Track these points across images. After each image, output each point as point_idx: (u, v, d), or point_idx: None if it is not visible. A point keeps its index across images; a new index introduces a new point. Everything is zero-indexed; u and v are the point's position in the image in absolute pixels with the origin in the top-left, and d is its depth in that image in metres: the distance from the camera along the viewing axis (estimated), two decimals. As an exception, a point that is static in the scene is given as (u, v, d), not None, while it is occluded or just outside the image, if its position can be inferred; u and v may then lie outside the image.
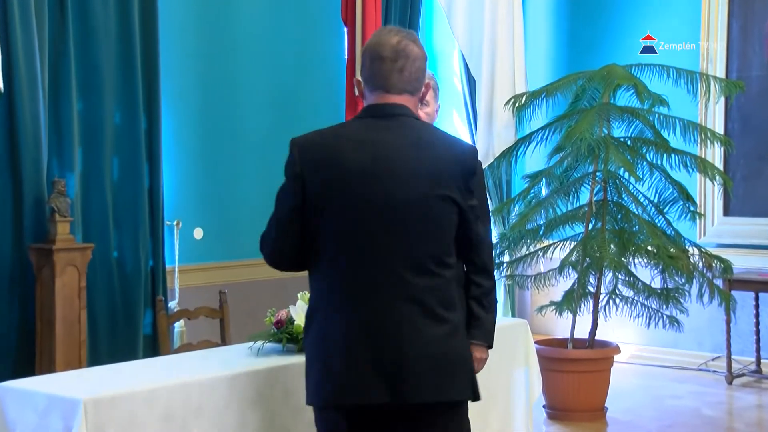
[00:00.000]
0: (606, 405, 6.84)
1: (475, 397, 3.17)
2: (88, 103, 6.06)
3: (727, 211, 8.15)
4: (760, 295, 7.72)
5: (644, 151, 6.91)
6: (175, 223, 6.61)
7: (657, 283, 6.83)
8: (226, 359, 3.90)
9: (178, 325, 6.30)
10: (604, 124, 6.90)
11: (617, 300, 6.85)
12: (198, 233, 6.76)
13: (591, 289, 6.83)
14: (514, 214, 7.43)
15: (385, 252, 3.02)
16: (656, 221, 6.91)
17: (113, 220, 6.14)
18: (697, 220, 7.32)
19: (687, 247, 6.89)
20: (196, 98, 6.95)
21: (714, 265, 6.95)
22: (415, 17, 8.26)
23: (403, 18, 8.05)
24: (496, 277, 4.50)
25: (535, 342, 5.41)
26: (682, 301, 6.76)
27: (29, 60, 5.60)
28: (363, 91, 3.18)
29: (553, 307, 6.91)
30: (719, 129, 7.97)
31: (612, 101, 7.03)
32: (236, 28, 7.23)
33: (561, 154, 7.01)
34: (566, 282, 6.93)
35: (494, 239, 6.87)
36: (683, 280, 6.73)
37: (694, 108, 7.69)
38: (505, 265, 7.20)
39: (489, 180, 7.89)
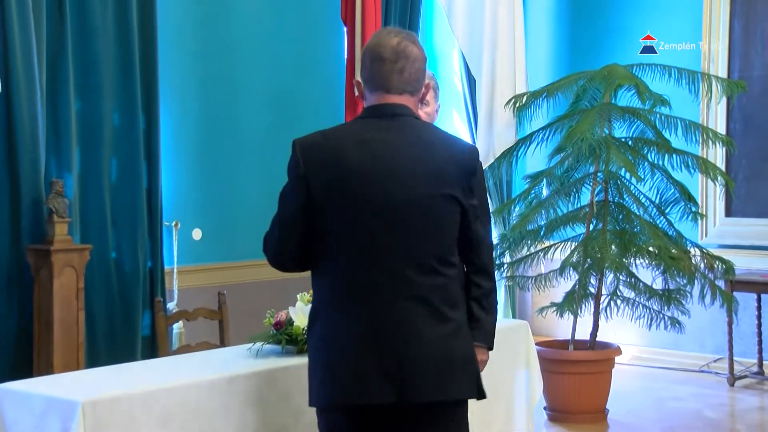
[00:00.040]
0: (607, 407, 6.82)
1: (480, 395, 3.17)
2: (87, 103, 6.05)
3: (729, 212, 8.14)
4: (762, 296, 7.71)
5: (645, 151, 6.90)
6: (173, 223, 6.59)
7: (658, 284, 6.81)
8: (225, 361, 3.89)
9: (177, 327, 6.29)
10: (605, 124, 6.89)
11: (618, 301, 6.84)
12: (197, 234, 6.74)
13: (592, 290, 6.82)
14: (514, 214, 7.42)
15: (389, 251, 3.03)
16: (658, 222, 6.90)
17: (111, 221, 6.13)
18: (699, 221, 7.29)
19: (688, 248, 6.88)
20: (195, 98, 6.94)
21: (716, 266, 6.94)
22: (415, 17, 8.25)
23: (403, 17, 8.03)
24: (497, 278, 4.49)
25: (536, 343, 5.40)
26: (683, 302, 6.75)
27: (27, 59, 5.60)
28: (363, 92, 3.20)
29: (554, 308, 6.90)
30: (721, 129, 7.96)
31: (613, 101, 7.02)
32: (235, 27, 7.22)
33: (562, 155, 7.00)
34: (567, 283, 6.91)
35: (495, 240, 6.84)
36: (685, 281, 6.71)
37: (696, 108, 7.67)
38: (505, 266, 7.19)
39: (489, 180, 7.88)
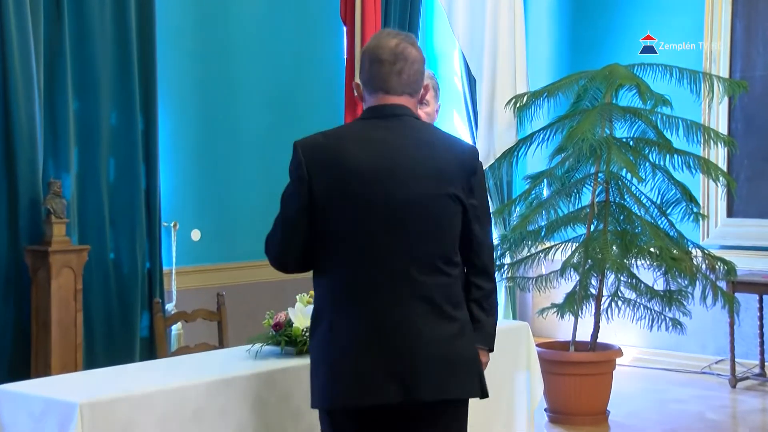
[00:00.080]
0: (608, 408, 6.80)
1: (484, 394, 3.18)
2: (84, 103, 6.04)
3: (731, 213, 8.12)
4: (764, 297, 7.70)
5: (647, 151, 6.89)
6: (172, 224, 6.58)
7: (660, 285, 6.80)
8: (223, 362, 3.88)
9: (176, 328, 6.28)
10: (606, 124, 6.88)
11: (619, 302, 6.83)
12: (195, 235, 6.72)
13: (593, 291, 6.81)
14: (515, 215, 7.41)
15: (389, 251, 3.04)
16: (659, 223, 6.89)
17: (109, 222, 6.13)
18: (701, 222, 7.27)
19: (690, 249, 6.86)
20: (194, 98, 6.93)
21: (717, 267, 6.92)
22: (415, 17, 8.23)
23: (403, 18, 8.01)
24: (497, 279, 4.47)
25: (537, 345, 5.40)
26: (685, 303, 6.74)
27: (25, 60, 5.59)
28: (362, 93, 3.22)
29: (555, 309, 6.89)
30: (722, 129, 7.95)
31: (614, 101, 7.01)
32: (234, 27, 7.21)
33: (562, 155, 6.99)
34: (568, 284, 6.90)
35: (495, 241, 6.82)
36: (686, 282, 6.70)
37: (697, 108, 7.66)
38: (506, 266, 7.18)
39: (490, 181, 7.87)
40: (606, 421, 6.75)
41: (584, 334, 6.91)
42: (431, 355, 3.03)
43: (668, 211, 6.97)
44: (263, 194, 6.87)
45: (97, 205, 6.06)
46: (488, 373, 3.31)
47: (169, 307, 6.36)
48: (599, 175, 6.83)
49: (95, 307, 5.99)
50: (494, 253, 4.99)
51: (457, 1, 8.16)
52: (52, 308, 5.44)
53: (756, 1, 8.10)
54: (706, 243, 7.68)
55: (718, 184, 7.34)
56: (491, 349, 3.33)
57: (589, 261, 6.68)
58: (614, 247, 6.67)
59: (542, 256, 7.09)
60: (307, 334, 3.81)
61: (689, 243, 6.91)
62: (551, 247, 7.09)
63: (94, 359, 5.86)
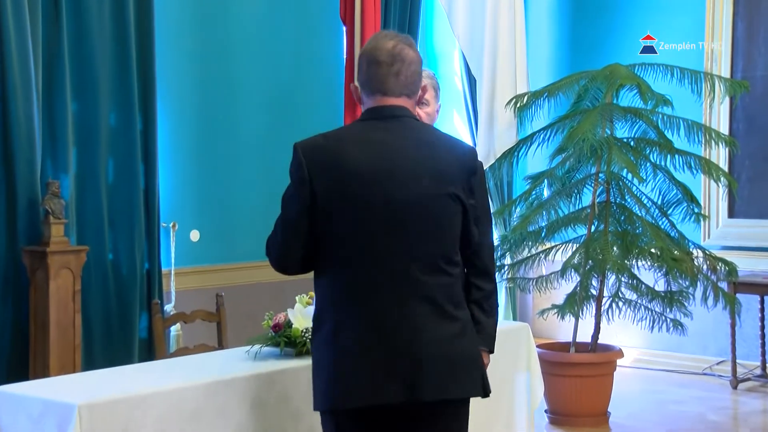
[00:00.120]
0: (609, 410, 6.79)
1: (486, 393, 3.19)
2: (83, 104, 6.04)
3: (732, 213, 8.11)
4: (766, 298, 7.69)
5: (648, 152, 6.88)
6: (171, 225, 6.57)
7: (660, 286, 6.80)
8: (222, 363, 3.87)
9: (174, 329, 6.27)
10: (606, 124, 6.87)
11: (620, 303, 6.82)
12: (194, 235, 6.70)
13: (593, 292, 6.80)
14: (515, 215, 7.41)
15: (390, 252, 3.04)
16: (660, 223, 6.89)
17: (108, 222, 6.13)
18: (702, 222, 7.27)
19: (691, 250, 6.85)
20: (193, 98, 6.93)
21: (719, 267, 6.91)
22: (415, 16, 8.22)
23: (402, 17, 8.00)
24: (498, 279, 4.45)
25: (537, 346, 5.40)
26: (686, 304, 6.73)
27: (23, 60, 5.59)
28: (360, 96, 3.23)
29: (555, 310, 6.88)
30: (724, 129, 7.93)
31: (615, 101, 7.00)
32: (233, 27, 7.20)
33: (563, 155, 6.98)
34: (568, 285, 6.90)
35: (495, 241, 6.81)
36: (687, 283, 6.69)
37: (699, 108, 7.66)
38: (506, 267, 7.18)
39: (490, 181, 7.86)
40: (607, 422, 6.73)
41: (585, 335, 6.90)
42: (433, 355, 3.03)
43: (669, 212, 6.96)
44: (263, 194, 6.87)
45: (96, 205, 6.05)
46: (488, 375, 3.30)
47: (168, 307, 6.35)
48: (600, 175, 6.82)
49: (94, 308, 5.98)
50: (494, 254, 4.99)
51: (457, 1, 8.16)
52: (50, 309, 5.44)
53: (758, 0, 8.09)
54: (707, 244, 7.67)
55: (720, 185, 7.34)
56: (492, 351, 3.33)
57: (590, 262, 6.67)
58: (615, 248, 6.66)
59: (543, 256, 7.08)
60: (307, 335, 3.82)
61: (690, 244, 6.90)
62: (552, 248, 7.08)
63: (92, 360, 5.86)
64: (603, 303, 6.81)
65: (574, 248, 6.87)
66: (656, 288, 6.77)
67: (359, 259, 3.04)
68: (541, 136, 7.19)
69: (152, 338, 5.56)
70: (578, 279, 6.76)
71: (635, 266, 6.75)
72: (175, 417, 3.45)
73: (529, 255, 7.10)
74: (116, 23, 6.14)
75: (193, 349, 4.82)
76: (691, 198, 6.93)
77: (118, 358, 5.89)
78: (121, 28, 6.15)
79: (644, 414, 7.09)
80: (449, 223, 3.12)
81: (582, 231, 6.96)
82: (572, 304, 6.76)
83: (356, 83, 3.24)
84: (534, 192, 7.14)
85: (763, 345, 7.73)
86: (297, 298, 4.03)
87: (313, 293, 3.23)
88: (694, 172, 6.95)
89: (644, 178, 6.74)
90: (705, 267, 6.87)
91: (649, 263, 6.72)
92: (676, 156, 6.83)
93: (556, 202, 6.97)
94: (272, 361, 3.84)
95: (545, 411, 6.77)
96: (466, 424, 3.20)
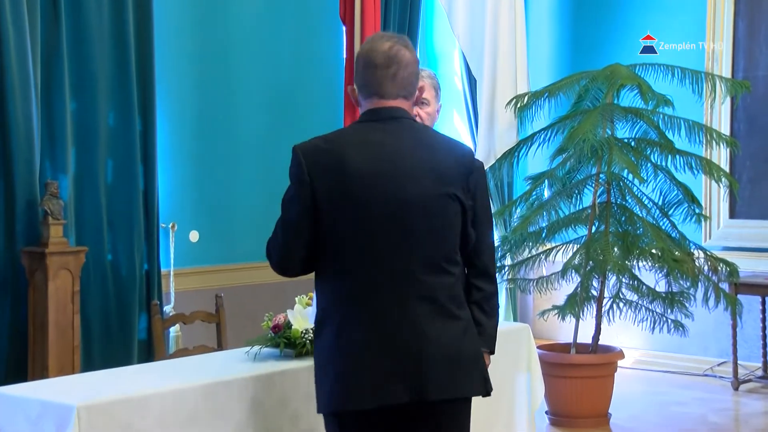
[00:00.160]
0: (610, 411, 6.78)
1: (488, 392, 3.20)
2: (82, 104, 6.04)
3: (733, 214, 8.09)
4: (767, 299, 7.65)
5: (648, 152, 6.88)
6: (170, 225, 6.55)
7: (661, 287, 6.80)
8: (222, 364, 3.87)
9: (174, 330, 6.26)
10: (607, 124, 6.86)
11: (621, 304, 6.81)
12: (194, 236, 6.69)
13: (594, 292, 6.79)
14: (515, 216, 7.41)
15: (390, 252, 3.04)
16: (661, 224, 6.88)
17: (107, 223, 6.13)
18: (703, 223, 7.27)
19: (692, 250, 6.85)
20: (192, 99, 6.92)
21: (720, 268, 6.91)
22: (415, 16, 8.20)
23: (402, 17, 7.99)
24: (498, 280, 4.44)
25: (538, 347, 5.39)
26: (687, 305, 6.73)
27: (21, 60, 5.59)
28: (357, 98, 3.23)
29: (556, 311, 6.87)
30: (725, 130, 7.91)
31: (615, 102, 6.99)
32: (233, 27, 7.20)
33: (563, 156, 6.98)
34: (569, 286, 6.89)
35: (495, 242, 6.79)
36: (688, 284, 6.69)
37: (700, 108, 7.64)
38: (506, 268, 7.18)
39: (490, 182, 7.85)
40: (607, 423, 6.72)
41: (585, 336, 6.88)
42: (435, 355, 3.03)
43: (670, 212, 6.96)
44: (262, 195, 6.86)
45: (95, 206, 6.05)
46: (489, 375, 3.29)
47: (167, 308, 6.35)
48: (600, 175, 6.82)
49: (93, 309, 5.98)
50: (495, 255, 4.98)
51: (457, 1, 8.15)
52: (49, 310, 5.44)
53: (759, 0, 8.07)
54: (708, 244, 7.66)
55: (721, 185, 7.34)
56: (492, 352, 3.33)
57: (591, 262, 6.66)
58: (616, 249, 6.65)
59: (543, 257, 7.08)
60: (307, 336, 3.82)
61: (691, 244, 6.89)
62: (552, 249, 7.08)
63: (91, 361, 5.86)
64: (604, 304, 6.80)
65: (575, 249, 6.86)
66: (657, 289, 6.76)
67: (360, 259, 3.04)
68: (542, 136, 7.18)
69: (151, 339, 5.55)
70: (579, 280, 6.75)
71: (636, 267, 6.75)
72: (175, 418, 3.45)
73: (529, 256, 7.09)
74: (115, 23, 6.13)
75: (192, 350, 4.82)
76: (692, 198, 6.92)
77: (117, 359, 5.88)
78: (121, 27, 6.15)
79: (645, 415, 7.08)
80: (449, 223, 3.12)
81: (582, 232, 6.96)
82: (573, 305, 6.75)
83: (353, 86, 3.24)
84: (534, 192, 7.13)
85: (764, 346, 7.71)
86: (297, 299, 4.02)
87: (312, 294, 3.21)
88: (695, 172, 6.94)
89: (645, 178, 6.73)
90: (706, 268, 6.86)
91: (650, 264, 6.71)
92: (677, 156, 6.83)
93: (556, 203, 6.97)
94: (272, 362, 3.83)
95: (546, 412, 6.75)
96: (468, 424, 3.20)
